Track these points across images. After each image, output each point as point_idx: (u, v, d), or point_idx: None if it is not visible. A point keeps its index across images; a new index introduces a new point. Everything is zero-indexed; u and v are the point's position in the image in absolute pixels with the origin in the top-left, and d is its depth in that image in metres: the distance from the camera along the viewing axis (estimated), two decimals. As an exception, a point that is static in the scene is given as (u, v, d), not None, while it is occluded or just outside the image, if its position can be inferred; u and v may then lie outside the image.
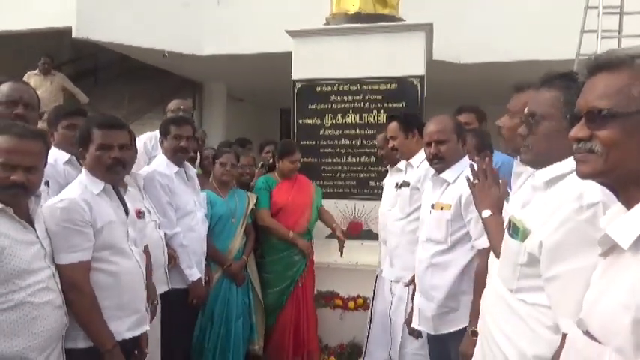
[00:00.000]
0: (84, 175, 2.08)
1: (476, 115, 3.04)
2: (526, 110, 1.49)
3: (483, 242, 2.11)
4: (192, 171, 3.21)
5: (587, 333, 0.97)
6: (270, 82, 7.10)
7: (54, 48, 8.65)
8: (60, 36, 7.69)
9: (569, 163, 1.25)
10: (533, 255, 1.31)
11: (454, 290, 2.28)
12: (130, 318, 2.07)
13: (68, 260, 1.87)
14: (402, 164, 3.30)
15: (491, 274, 1.60)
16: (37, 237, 1.78)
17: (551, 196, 1.34)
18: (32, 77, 7.19)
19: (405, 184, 2.99)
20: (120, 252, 2.05)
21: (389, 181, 3.46)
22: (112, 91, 8.88)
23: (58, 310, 1.79)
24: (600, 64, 1.00)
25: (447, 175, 2.36)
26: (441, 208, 2.32)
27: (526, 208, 1.45)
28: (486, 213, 1.82)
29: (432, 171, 2.50)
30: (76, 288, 1.88)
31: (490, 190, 1.88)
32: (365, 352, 3.40)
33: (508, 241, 1.42)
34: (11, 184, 1.67)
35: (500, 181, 1.92)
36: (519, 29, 6.42)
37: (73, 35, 6.85)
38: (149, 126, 4.93)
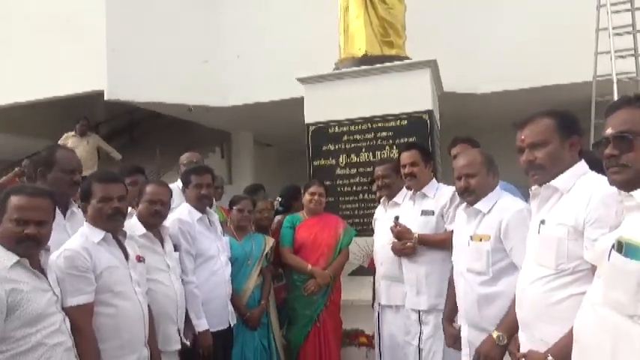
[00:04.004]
0: (85, 227, 2.28)
1: (470, 145, 3.07)
2: (611, 131, 1.47)
3: None
4: (215, 217, 3.30)
5: None
6: (292, 126, 7.29)
7: (90, 110, 9.22)
8: (94, 99, 8.21)
9: None
10: None
11: None
12: (129, 357, 2.21)
13: (74, 303, 2.04)
14: (399, 197, 3.32)
15: (585, 305, 1.50)
16: (50, 285, 1.95)
17: None
18: (70, 138, 7.71)
19: (430, 212, 3.02)
20: (120, 294, 2.22)
21: (385, 216, 3.40)
22: (144, 146, 9.30)
23: (68, 352, 1.93)
24: None
25: (481, 205, 2.37)
26: (480, 240, 2.32)
27: (628, 229, 1.40)
28: None
29: (457, 199, 2.52)
30: (79, 331, 2.02)
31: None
32: None
33: (625, 264, 1.33)
34: (25, 237, 1.86)
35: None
36: (534, 56, 6.42)
37: (105, 97, 7.35)
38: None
